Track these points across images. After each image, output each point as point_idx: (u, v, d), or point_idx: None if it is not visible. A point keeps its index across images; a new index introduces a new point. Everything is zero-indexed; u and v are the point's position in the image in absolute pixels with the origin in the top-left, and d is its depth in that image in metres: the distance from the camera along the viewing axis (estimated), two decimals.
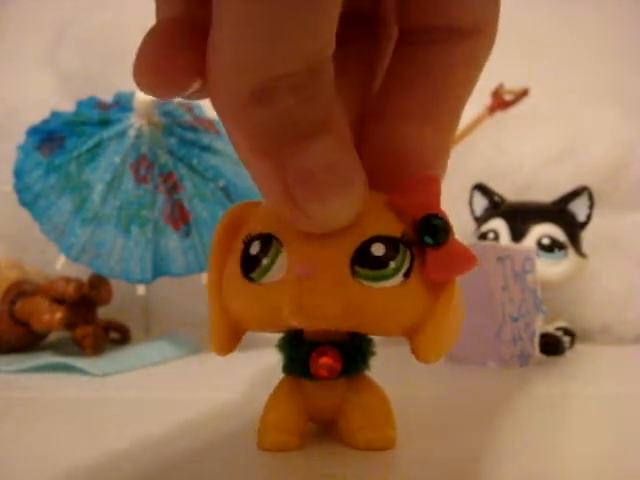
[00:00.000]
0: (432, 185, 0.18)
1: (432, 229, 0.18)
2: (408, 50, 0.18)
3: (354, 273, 0.17)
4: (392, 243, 0.18)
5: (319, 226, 0.16)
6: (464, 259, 0.18)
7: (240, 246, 0.19)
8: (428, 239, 0.18)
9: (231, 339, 0.20)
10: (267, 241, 0.18)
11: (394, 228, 0.18)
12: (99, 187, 0.42)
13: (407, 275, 0.18)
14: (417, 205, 0.18)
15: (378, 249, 0.17)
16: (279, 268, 0.18)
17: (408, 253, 0.18)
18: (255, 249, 0.18)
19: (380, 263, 0.17)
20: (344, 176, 0.15)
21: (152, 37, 0.15)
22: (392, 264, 0.18)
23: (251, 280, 0.18)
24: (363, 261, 0.17)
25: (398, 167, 0.18)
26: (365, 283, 0.17)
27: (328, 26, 0.13)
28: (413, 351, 0.19)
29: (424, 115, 0.18)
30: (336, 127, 0.15)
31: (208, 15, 0.13)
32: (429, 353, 0.18)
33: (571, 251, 0.44)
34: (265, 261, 0.18)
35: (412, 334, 0.18)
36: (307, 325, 0.19)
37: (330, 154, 0.15)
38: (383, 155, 0.18)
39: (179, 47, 0.14)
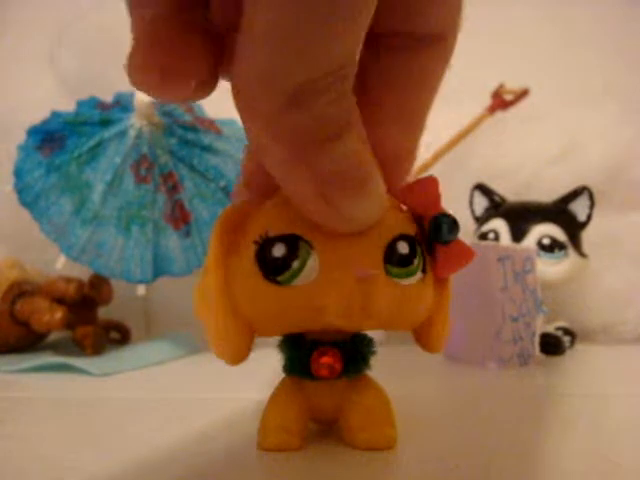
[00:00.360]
0: (435, 186, 0.19)
1: (447, 227, 0.18)
2: (373, 55, 0.18)
3: (387, 272, 0.18)
4: (412, 241, 0.18)
5: (353, 224, 0.17)
6: (466, 253, 0.19)
7: (252, 247, 0.18)
8: (443, 236, 0.18)
9: (248, 345, 0.19)
10: (293, 243, 0.18)
11: (409, 227, 0.18)
12: (99, 187, 0.42)
13: (424, 271, 0.18)
14: (426, 205, 0.19)
15: (403, 247, 0.18)
16: (310, 270, 0.17)
17: (421, 250, 0.18)
18: (280, 251, 0.18)
19: (407, 261, 0.18)
20: (370, 171, 0.16)
21: (143, 35, 0.15)
22: (415, 261, 0.18)
23: (278, 283, 0.18)
24: (394, 259, 0.18)
25: None
26: (396, 281, 0.18)
27: (358, 31, 0.13)
28: (423, 343, 0.20)
29: (390, 118, 0.18)
30: (357, 125, 0.15)
31: (190, 18, 0.14)
32: (438, 343, 0.20)
33: (571, 251, 0.44)
34: (296, 264, 0.17)
35: (420, 327, 0.19)
36: (353, 327, 0.18)
37: (357, 152, 0.15)
38: None
39: (171, 45, 0.15)
